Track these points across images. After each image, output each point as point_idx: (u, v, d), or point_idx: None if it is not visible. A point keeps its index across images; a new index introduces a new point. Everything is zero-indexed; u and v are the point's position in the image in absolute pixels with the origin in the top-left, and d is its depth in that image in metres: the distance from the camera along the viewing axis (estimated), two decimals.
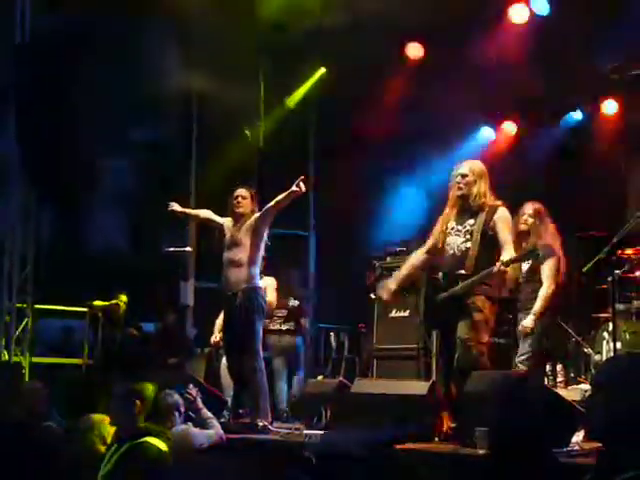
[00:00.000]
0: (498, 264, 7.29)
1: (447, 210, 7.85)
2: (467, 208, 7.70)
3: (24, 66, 11.13)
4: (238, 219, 8.83)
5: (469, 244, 7.55)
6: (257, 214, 8.75)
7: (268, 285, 9.92)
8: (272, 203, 8.67)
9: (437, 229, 7.85)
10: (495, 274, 7.38)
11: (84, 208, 13.22)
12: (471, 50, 11.22)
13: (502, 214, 7.64)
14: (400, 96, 12.64)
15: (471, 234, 7.57)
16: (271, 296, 10.08)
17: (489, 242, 7.52)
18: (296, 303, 11.92)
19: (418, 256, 8.08)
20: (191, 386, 7.66)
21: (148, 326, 12.93)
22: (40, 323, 12.64)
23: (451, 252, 7.64)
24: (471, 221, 7.62)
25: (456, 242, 7.64)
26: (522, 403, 3.92)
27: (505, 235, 7.53)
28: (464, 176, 7.72)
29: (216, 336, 9.90)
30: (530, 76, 11.38)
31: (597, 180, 11.54)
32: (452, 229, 7.71)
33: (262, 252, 8.84)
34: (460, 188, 7.70)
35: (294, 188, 8.45)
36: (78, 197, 11.64)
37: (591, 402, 3.68)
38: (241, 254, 8.70)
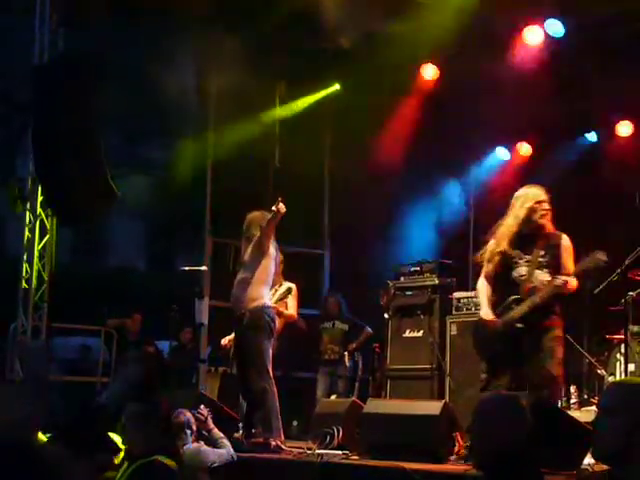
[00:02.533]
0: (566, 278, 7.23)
1: (501, 235, 7.70)
2: (526, 234, 7.59)
3: (42, 87, 11.22)
4: (245, 241, 8.91)
5: (548, 276, 7.47)
6: (257, 235, 8.76)
7: (290, 293, 9.79)
8: (259, 232, 8.68)
9: (493, 255, 7.70)
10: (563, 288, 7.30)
11: (100, 226, 13.29)
12: (486, 71, 11.25)
13: (567, 242, 7.58)
14: (415, 116, 12.68)
15: (547, 266, 7.48)
16: (292, 306, 9.95)
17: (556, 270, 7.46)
18: (345, 327, 12.04)
19: (485, 284, 7.87)
20: (202, 406, 7.69)
21: (163, 345, 12.98)
22: (57, 341, 12.71)
23: (531, 284, 7.49)
24: (541, 252, 7.52)
25: (534, 274, 7.52)
26: (506, 422, 3.95)
27: (570, 264, 7.47)
28: (544, 202, 7.64)
29: (226, 339, 9.83)
30: (545, 97, 11.40)
31: (611, 201, 11.54)
32: (518, 258, 7.58)
33: (270, 271, 8.84)
34: (543, 215, 7.60)
35: (274, 209, 8.49)
36: (94, 216, 11.67)
37: (596, 424, 3.70)
38: (247, 274, 8.73)
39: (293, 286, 9.87)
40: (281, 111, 13.25)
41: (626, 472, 3.51)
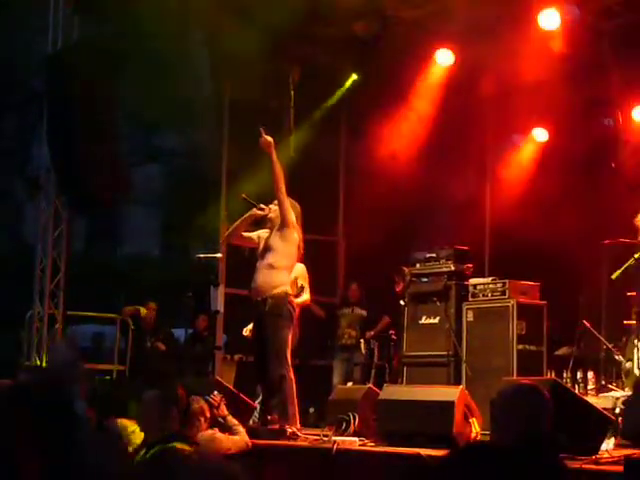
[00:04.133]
0: None
1: None
2: None
3: (56, 75, 11.22)
4: (270, 226, 8.86)
5: None
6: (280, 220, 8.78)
7: (299, 274, 9.63)
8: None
9: None
10: None
11: (115, 214, 13.30)
12: (501, 57, 11.19)
13: None
14: (431, 103, 12.63)
15: None
16: (307, 292, 9.78)
17: None
18: (364, 313, 12.04)
19: None
20: (216, 392, 7.68)
21: (179, 332, 13.00)
22: (72, 329, 12.73)
23: None
24: None
25: None
26: (531, 412, 3.93)
27: None
28: None
29: (247, 329, 9.78)
30: (560, 82, 11.33)
31: (627, 187, 11.48)
32: None
33: (294, 258, 8.84)
34: None
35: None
36: (109, 204, 11.68)
37: (627, 403, 3.70)
38: (270, 259, 8.71)
39: (301, 267, 9.78)
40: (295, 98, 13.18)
41: None
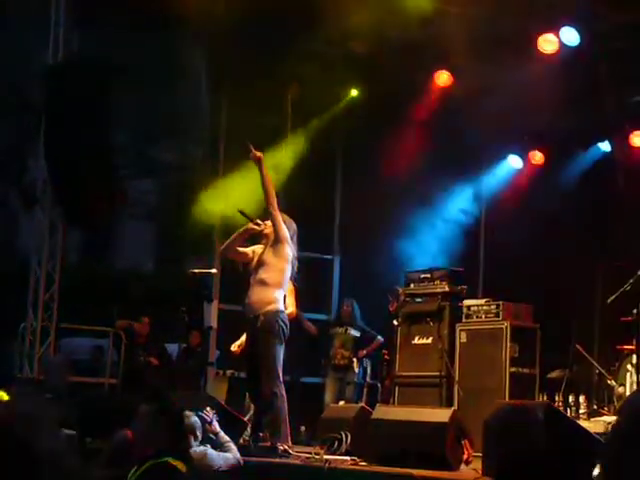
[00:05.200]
0: None
1: None
2: None
3: (55, 86, 11.23)
4: (265, 242, 8.85)
5: None
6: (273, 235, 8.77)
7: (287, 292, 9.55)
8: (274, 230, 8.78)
9: None
10: None
11: (110, 228, 13.28)
12: (500, 79, 11.23)
13: None
14: (428, 122, 12.66)
15: None
16: (291, 304, 9.71)
17: None
18: (357, 334, 12.03)
19: None
20: (208, 408, 7.65)
21: (172, 347, 12.97)
22: (68, 342, 12.70)
23: None
24: None
25: None
26: (524, 434, 3.93)
27: None
28: None
29: (235, 345, 9.74)
30: (558, 106, 11.37)
31: (625, 211, 11.50)
32: None
33: (287, 275, 8.82)
34: None
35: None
36: (104, 217, 11.68)
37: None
38: (263, 275, 8.70)
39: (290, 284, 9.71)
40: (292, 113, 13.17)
41: None
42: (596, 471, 6.49)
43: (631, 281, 8.53)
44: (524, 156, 13.34)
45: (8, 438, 2.32)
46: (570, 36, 11.10)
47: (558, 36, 11.16)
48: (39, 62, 11.92)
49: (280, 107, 13.02)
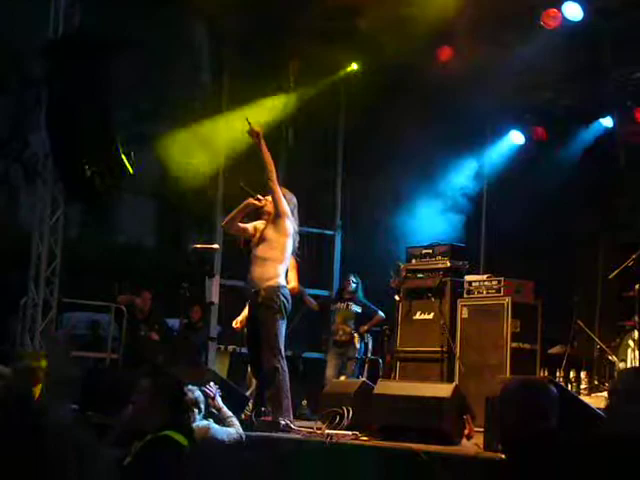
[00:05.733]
0: None
1: None
2: None
3: (56, 61, 11.19)
4: (267, 217, 8.84)
5: None
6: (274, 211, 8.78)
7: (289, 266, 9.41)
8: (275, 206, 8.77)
9: None
10: None
11: (111, 202, 13.27)
12: (502, 55, 11.20)
13: None
14: (430, 99, 12.63)
15: None
16: (292, 279, 9.70)
17: None
18: (359, 309, 12.04)
19: None
20: (211, 383, 7.67)
21: (173, 322, 13.00)
22: (67, 317, 12.71)
23: None
24: None
25: None
26: (535, 407, 3.93)
27: None
28: None
29: (237, 321, 9.75)
30: (560, 82, 11.34)
31: (626, 187, 11.49)
32: None
33: (289, 250, 8.82)
34: None
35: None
36: (105, 192, 11.66)
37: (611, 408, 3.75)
38: (265, 251, 8.70)
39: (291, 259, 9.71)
40: (294, 95, 13.13)
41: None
42: None
43: (634, 257, 8.53)
44: (526, 132, 13.32)
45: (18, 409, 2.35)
46: (573, 11, 11.05)
47: (561, 11, 11.11)
48: (40, 37, 11.87)
49: (281, 82, 12.99)
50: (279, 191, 8.69)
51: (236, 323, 9.64)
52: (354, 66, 13.30)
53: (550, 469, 3.77)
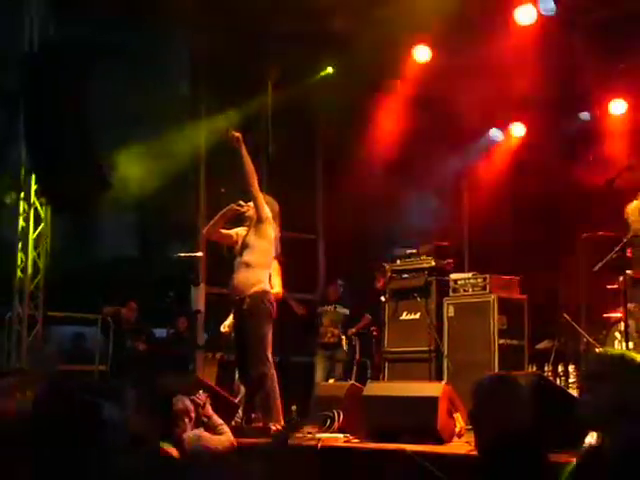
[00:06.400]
0: None
1: None
2: None
3: (32, 74, 11.14)
4: (248, 223, 8.84)
5: None
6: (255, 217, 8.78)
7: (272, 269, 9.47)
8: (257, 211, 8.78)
9: None
10: None
11: (94, 215, 13.23)
12: (478, 52, 11.21)
13: None
14: (408, 99, 12.64)
15: None
16: (277, 284, 9.73)
17: None
18: (346, 311, 12.05)
19: None
20: (200, 392, 7.65)
21: (159, 332, 12.96)
22: (52, 330, 12.64)
23: None
24: None
25: None
26: (505, 403, 3.94)
27: None
28: None
29: (225, 325, 9.74)
30: (538, 77, 11.37)
31: (605, 180, 11.53)
32: None
33: (271, 255, 8.83)
34: None
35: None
36: (88, 204, 11.62)
37: (581, 392, 3.84)
38: (247, 257, 8.70)
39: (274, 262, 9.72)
40: (272, 97, 13.12)
41: (611, 437, 3.59)
42: (588, 439, 6.53)
43: (617, 249, 8.56)
44: (505, 128, 13.37)
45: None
46: (547, 6, 11.08)
47: (536, 6, 11.14)
48: (13, 49, 11.80)
49: (261, 89, 12.98)
50: (260, 196, 8.69)
51: (224, 327, 9.66)
52: (329, 69, 13.28)
53: (520, 469, 3.80)
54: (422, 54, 12.41)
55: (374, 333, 11.68)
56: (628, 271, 8.96)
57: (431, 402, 7.57)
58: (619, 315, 9.30)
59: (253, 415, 8.62)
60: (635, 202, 9.48)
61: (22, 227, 11.66)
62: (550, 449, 5.47)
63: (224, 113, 12.28)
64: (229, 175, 11.15)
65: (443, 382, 8.41)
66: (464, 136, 13.41)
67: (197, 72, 13.32)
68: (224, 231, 8.98)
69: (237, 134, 8.69)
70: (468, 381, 8.84)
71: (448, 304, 10.48)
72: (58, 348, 12.47)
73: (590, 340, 9.80)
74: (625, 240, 8.64)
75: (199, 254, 11.55)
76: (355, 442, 7.69)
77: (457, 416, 7.60)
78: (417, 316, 10.74)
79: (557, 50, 11.25)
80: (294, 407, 11.31)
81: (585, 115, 12.51)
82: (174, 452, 5.72)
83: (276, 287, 9.55)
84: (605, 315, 9.95)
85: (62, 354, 12.44)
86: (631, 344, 8.81)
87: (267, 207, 8.73)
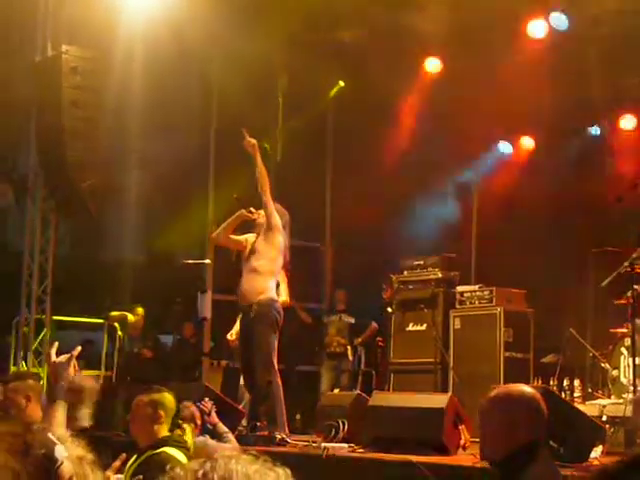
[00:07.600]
0: None
1: None
2: None
3: (44, 81, 11.20)
4: (258, 230, 8.86)
5: None
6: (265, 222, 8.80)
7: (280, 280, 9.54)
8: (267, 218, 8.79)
9: None
10: None
11: (101, 219, 13.25)
12: (489, 65, 11.23)
13: None
14: (418, 111, 12.66)
15: None
16: (284, 292, 9.75)
17: None
18: (352, 320, 12.05)
19: None
20: (206, 399, 7.66)
21: (166, 338, 12.97)
22: (58, 335, 12.64)
23: None
24: None
25: None
26: (509, 419, 3.93)
27: None
28: None
29: (231, 334, 9.74)
30: (548, 91, 11.38)
31: (614, 195, 11.51)
32: None
33: (279, 263, 8.83)
34: None
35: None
36: (96, 209, 11.65)
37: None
38: (256, 264, 8.70)
39: (282, 274, 9.73)
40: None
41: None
42: (593, 453, 6.55)
43: (626, 264, 8.56)
44: (514, 142, 13.37)
45: None
46: (559, 21, 11.10)
47: (547, 21, 11.16)
48: (26, 56, 11.85)
49: (271, 96, 13.00)
50: (271, 204, 8.71)
51: (231, 336, 9.65)
52: (341, 83, 13.29)
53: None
54: (432, 66, 12.44)
55: (380, 343, 11.69)
56: (636, 286, 8.94)
57: (437, 413, 7.57)
58: (625, 330, 9.29)
59: (258, 423, 8.62)
60: None
61: (29, 232, 11.70)
62: (556, 462, 5.49)
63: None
64: (239, 180, 11.24)
65: (448, 394, 8.41)
66: (474, 148, 13.40)
67: (207, 78, 13.36)
68: (233, 236, 8.99)
69: (253, 140, 8.72)
70: (473, 393, 8.92)
71: (454, 316, 10.49)
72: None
73: (596, 355, 9.79)
74: (634, 256, 8.63)
75: (207, 261, 11.56)
76: (360, 452, 7.69)
77: (462, 428, 7.59)
78: (423, 327, 10.76)
79: (568, 64, 11.25)
80: (299, 416, 11.35)
81: (595, 130, 12.51)
82: (182, 458, 5.71)
83: (283, 295, 9.56)
84: (612, 330, 9.93)
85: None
86: (638, 360, 8.79)
87: (277, 215, 8.74)
